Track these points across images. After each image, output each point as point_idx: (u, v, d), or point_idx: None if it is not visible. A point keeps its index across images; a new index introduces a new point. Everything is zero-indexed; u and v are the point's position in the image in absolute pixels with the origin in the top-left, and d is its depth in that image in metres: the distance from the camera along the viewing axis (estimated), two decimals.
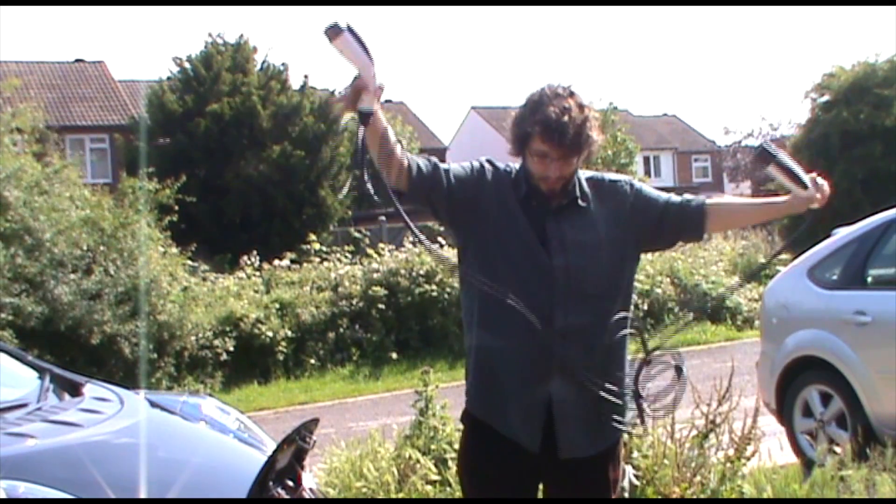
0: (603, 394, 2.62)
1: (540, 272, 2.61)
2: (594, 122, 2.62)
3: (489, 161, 2.74)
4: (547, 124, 2.55)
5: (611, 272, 2.67)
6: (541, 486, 2.83)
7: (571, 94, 2.62)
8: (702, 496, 4.58)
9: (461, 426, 2.86)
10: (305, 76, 22.72)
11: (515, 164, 2.74)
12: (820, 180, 2.68)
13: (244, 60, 21.03)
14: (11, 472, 2.77)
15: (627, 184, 2.77)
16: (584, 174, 2.75)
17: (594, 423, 2.67)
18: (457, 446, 4.94)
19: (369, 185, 2.53)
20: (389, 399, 10.14)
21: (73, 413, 3.44)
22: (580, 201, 2.69)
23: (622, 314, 2.69)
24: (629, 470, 4.34)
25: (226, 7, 75.75)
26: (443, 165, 2.66)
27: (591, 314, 2.63)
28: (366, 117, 2.43)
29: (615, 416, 2.69)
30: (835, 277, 5.89)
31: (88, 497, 2.83)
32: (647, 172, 39.25)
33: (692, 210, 2.76)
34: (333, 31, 2.39)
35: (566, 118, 2.55)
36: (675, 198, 2.80)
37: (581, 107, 2.59)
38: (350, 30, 2.40)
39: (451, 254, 13.92)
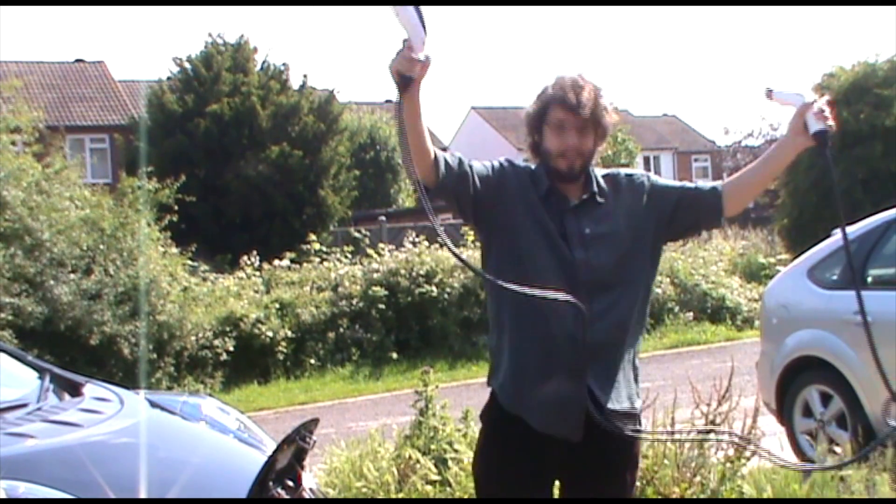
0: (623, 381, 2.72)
1: (562, 266, 2.66)
2: (606, 99, 2.73)
3: (508, 160, 2.81)
4: (563, 90, 2.69)
5: (632, 264, 2.73)
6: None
7: (582, 77, 2.75)
8: (702, 496, 4.58)
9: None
10: (305, 76, 22.65)
11: (532, 164, 2.82)
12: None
13: (244, 60, 21.01)
14: (11, 472, 2.77)
15: (644, 176, 2.84)
16: (600, 171, 2.83)
17: (622, 403, 2.73)
18: (457, 446, 4.98)
19: (408, 169, 2.57)
20: (389, 399, 10.13)
21: (73, 413, 3.43)
22: (598, 197, 2.75)
23: (640, 307, 2.77)
24: None
25: (226, 7, 75.79)
26: (468, 163, 2.69)
27: (614, 306, 2.68)
28: (405, 81, 2.41)
29: (633, 394, 2.77)
30: (835, 277, 5.89)
31: (88, 497, 2.83)
32: None
33: (707, 193, 2.81)
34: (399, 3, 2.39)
35: (581, 83, 2.70)
36: (690, 184, 2.87)
37: (593, 84, 2.73)
38: (417, 6, 2.41)
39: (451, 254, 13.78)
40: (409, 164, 2.51)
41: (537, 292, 2.49)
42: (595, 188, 2.76)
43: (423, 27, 2.40)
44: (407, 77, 2.41)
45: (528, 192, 2.73)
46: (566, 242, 2.68)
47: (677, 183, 2.88)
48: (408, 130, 2.48)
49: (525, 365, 2.71)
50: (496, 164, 2.76)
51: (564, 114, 2.68)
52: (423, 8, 2.40)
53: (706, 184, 2.87)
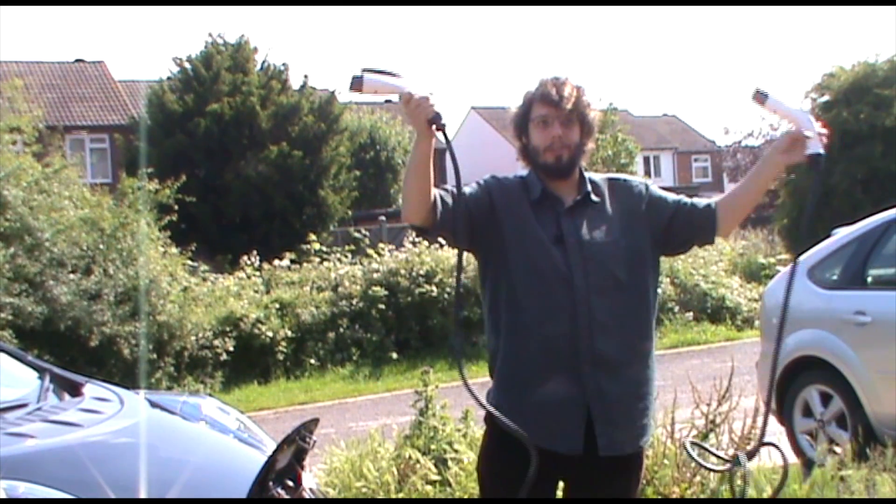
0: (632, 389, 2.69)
1: (558, 271, 2.64)
2: (590, 97, 2.75)
3: (493, 176, 2.81)
4: (544, 85, 2.73)
5: (630, 266, 2.70)
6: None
7: (563, 77, 2.79)
8: (702, 496, 4.58)
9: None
10: (305, 76, 22.65)
11: (524, 172, 2.81)
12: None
13: (244, 60, 21.01)
14: (11, 472, 2.77)
15: (642, 185, 2.84)
16: (598, 175, 2.85)
17: (630, 419, 2.70)
18: (457, 446, 4.97)
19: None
20: (389, 399, 10.13)
21: (73, 413, 3.43)
22: (593, 196, 2.75)
23: (647, 312, 2.73)
24: None
25: (226, 7, 75.80)
26: (461, 192, 2.66)
27: (613, 309, 2.65)
28: (437, 119, 2.49)
29: (645, 412, 2.74)
30: (835, 277, 5.89)
31: (88, 497, 2.83)
32: (647, 172, 39.25)
33: (703, 210, 2.80)
34: (357, 83, 2.48)
35: (562, 79, 2.75)
36: (686, 199, 2.85)
37: (575, 82, 2.76)
38: (367, 71, 2.48)
39: (451, 254, 13.87)
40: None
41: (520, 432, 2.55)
42: (588, 188, 2.75)
43: (389, 73, 2.49)
44: (434, 116, 2.47)
45: (518, 201, 2.72)
46: (562, 245, 2.66)
47: (674, 196, 2.85)
48: (420, 174, 2.54)
49: (520, 369, 2.69)
50: (481, 182, 2.77)
51: (547, 108, 2.71)
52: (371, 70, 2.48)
53: (701, 200, 2.86)
